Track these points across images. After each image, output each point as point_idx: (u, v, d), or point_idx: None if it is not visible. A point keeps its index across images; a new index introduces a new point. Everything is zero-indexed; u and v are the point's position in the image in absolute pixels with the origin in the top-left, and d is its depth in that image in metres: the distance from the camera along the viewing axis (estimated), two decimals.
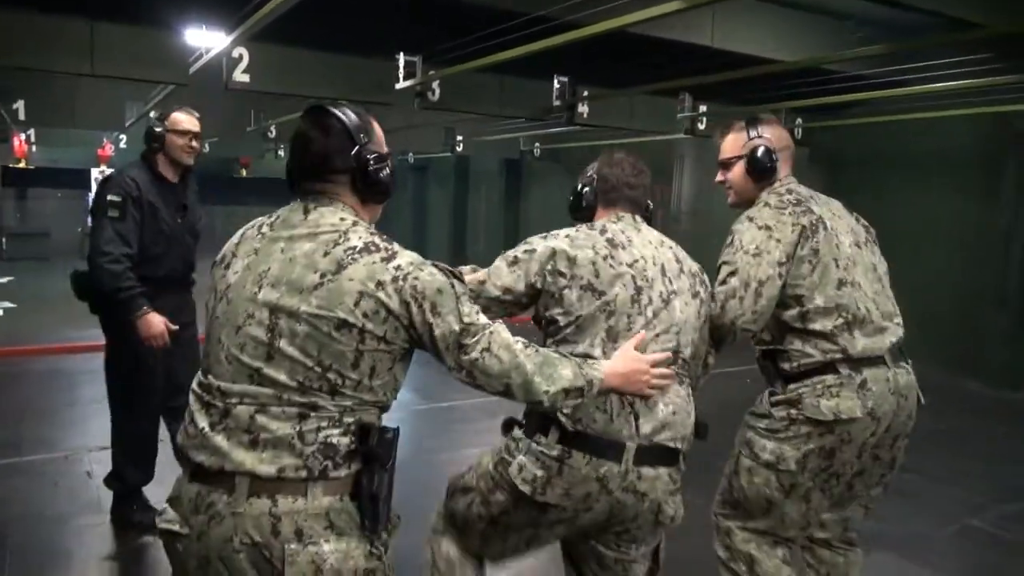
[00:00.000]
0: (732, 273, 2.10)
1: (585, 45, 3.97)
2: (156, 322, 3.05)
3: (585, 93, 6.22)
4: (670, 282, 1.92)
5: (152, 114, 3.42)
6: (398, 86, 5.50)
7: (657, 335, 1.86)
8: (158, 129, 3.19)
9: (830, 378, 2.09)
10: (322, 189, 1.52)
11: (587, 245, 1.89)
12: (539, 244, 1.92)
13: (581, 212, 2.10)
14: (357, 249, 1.44)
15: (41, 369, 6.43)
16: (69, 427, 4.76)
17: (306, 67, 5.03)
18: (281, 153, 12.80)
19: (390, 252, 1.45)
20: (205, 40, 4.62)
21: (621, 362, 1.74)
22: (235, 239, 1.58)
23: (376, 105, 6.82)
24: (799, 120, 7.80)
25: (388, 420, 1.51)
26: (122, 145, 11.67)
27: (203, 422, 1.43)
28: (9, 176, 14.77)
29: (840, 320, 2.10)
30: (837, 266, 2.14)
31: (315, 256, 1.44)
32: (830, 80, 6.25)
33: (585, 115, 6.26)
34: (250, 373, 1.42)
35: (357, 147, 1.50)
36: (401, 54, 5.45)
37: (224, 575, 1.40)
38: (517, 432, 1.91)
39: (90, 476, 4.01)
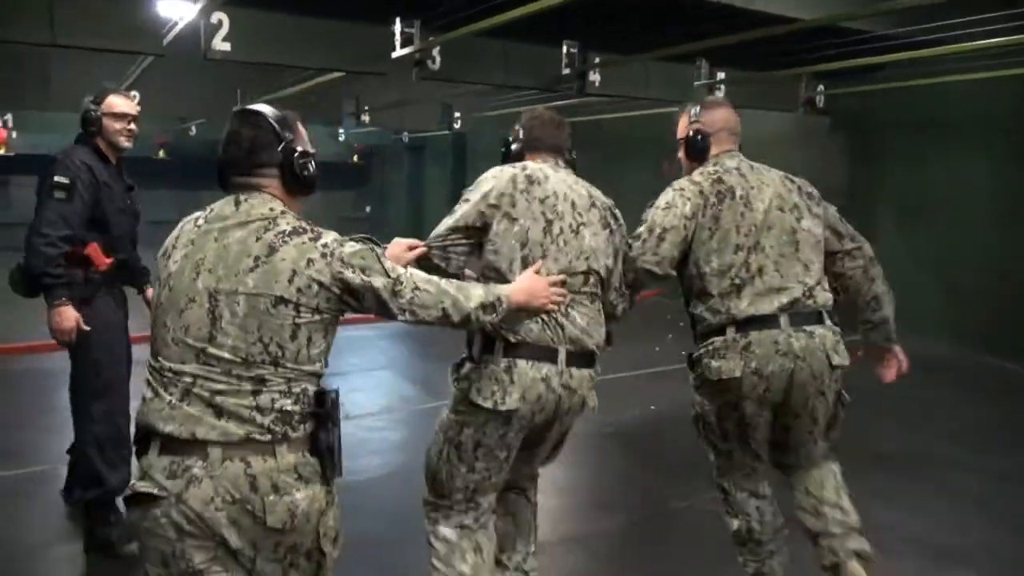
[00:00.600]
0: (643, 224, 2.42)
1: (596, 3, 3.54)
2: (70, 317, 2.92)
3: (597, 60, 5.75)
4: (580, 215, 2.21)
5: (87, 97, 3.13)
6: (395, 54, 5.03)
7: (570, 260, 2.17)
8: (94, 113, 3.05)
9: (718, 340, 2.36)
10: (251, 183, 1.68)
11: (508, 178, 2.19)
12: (474, 193, 2.21)
13: (509, 159, 2.37)
14: (287, 233, 1.62)
15: (15, 369, 6.00)
16: (44, 436, 4.31)
17: (292, 34, 4.55)
18: None
19: (316, 233, 1.65)
20: (179, 7, 4.16)
21: (523, 283, 2.05)
22: (176, 232, 1.72)
23: (371, 76, 6.36)
24: (821, 87, 7.33)
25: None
26: None
27: (169, 396, 1.57)
28: None
29: (728, 283, 2.34)
30: (738, 232, 2.36)
31: (248, 242, 1.60)
32: (855, 41, 5.79)
33: (597, 84, 5.80)
34: (196, 353, 1.57)
35: (283, 143, 1.68)
36: (398, 19, 5.00)
37: (199, 535, 1.55)
38: (466, 366, 2.18)
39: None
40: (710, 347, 2.36)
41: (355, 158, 18.41)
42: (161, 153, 15.53)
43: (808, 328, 2.32)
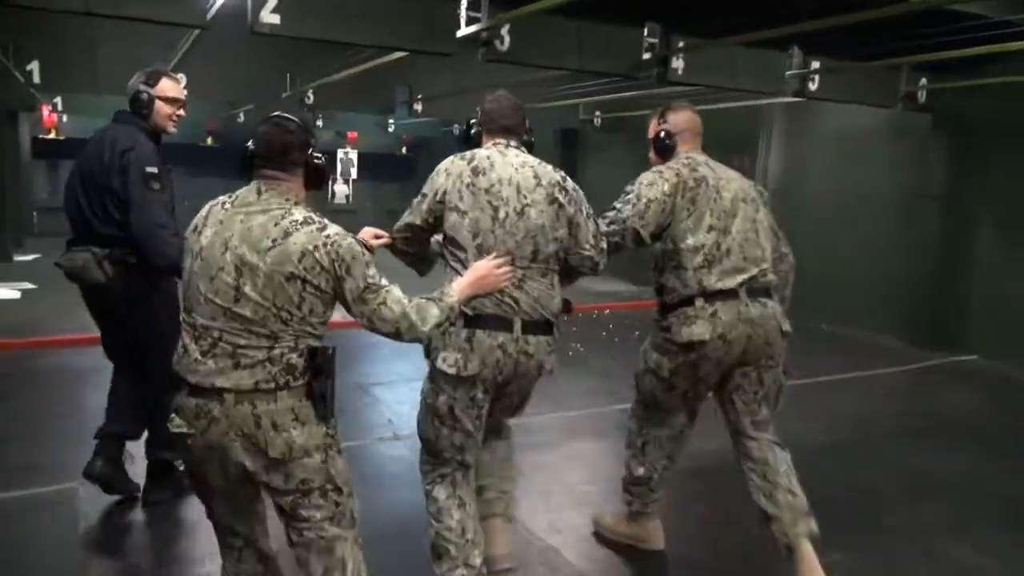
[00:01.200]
0: (630, 194, 2.73)
1: None
2: None
3: (681, 44, 5.17)
4: (524, 197, 2.41)
5: (137, 76, 3.03)
6: (459, 33, 4.53)
7: (516, 240, 2.39)
8: (146, 95, 3.06)
9: (690, 310, 2.68)
10: (278, 175, 2.04)
11: (456, 173, 2.42)
12: (428, 189, 2.46)
13: (470, 142, 2.59)
14: (299, 222, 1.97)
15: (45, 367, 5.66)
16: (64, 448, 3.89)
17: (348, 8, 4.05)
18: (320, 123, 11.95)
19: (323, 225, 1.99)
20: None
21: (470, 276, 2.34)
22: (204, 212, 2.07)
23: (425, 62, 5.87)
24: (923, 80, 6.62)
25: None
26: None
27: (195, 351, 1.96)
28: (39, 147, 14.16)
29: (701, 258, 2.67)
30: (711, 215, 2.69)
31: (268, 226, 1.96)
32: (966, 28, 5.08)
33: (680, 71, 5.21)
34: (224, 311, 1.94)
35: (311, 147, 2.09)
36: None
37: (219, 459, 1.97)
38: (434, 340, 2.41)
39: (83, 521, 3.21)
40: (681, 315, 2.69)
41: (404, 150, 18.04)
42: (209, 140, 15.42)
43: (761, 300, 2.71)
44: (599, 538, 3.22)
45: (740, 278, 2.67)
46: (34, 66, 7.60)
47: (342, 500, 2.06)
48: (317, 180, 2.09)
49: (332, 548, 2.05)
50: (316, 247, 1.93)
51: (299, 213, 1.98)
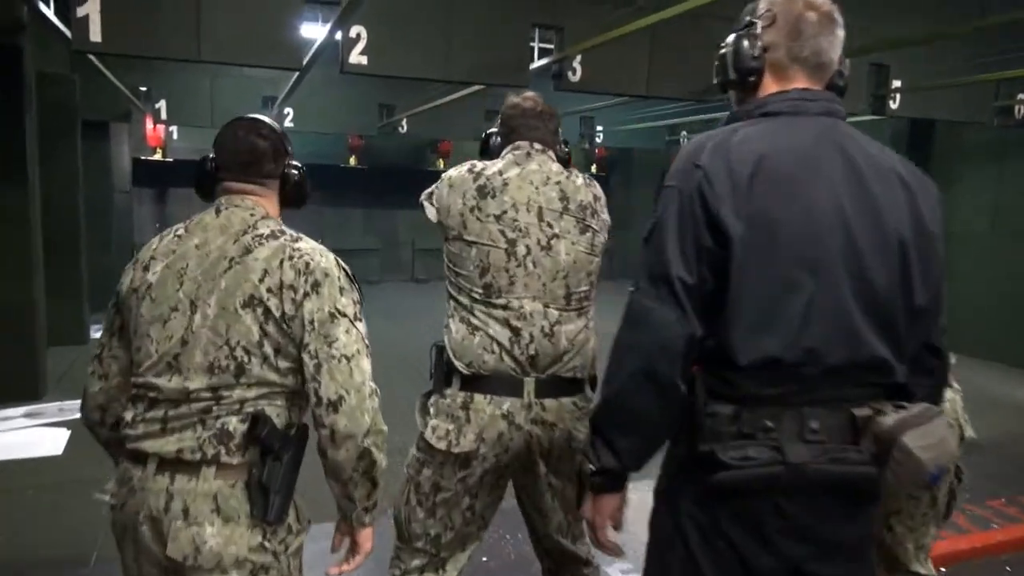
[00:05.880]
0: None
1: None
2: None
3: None
4: (549, 225, 1.92)
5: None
6: (533, 65, 4.81)
7: (543, 284, 1.90)
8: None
9: None
10: (246, 189, 1.61)
11: (459, 192, 1.94)
12: (433, 198, 2.00)
13: (488, 154, 2.09)
14: (264, 236, 1.54)
15: None
16: None
17: (428, 47, 4.41)
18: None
19: (295, 238, 1.57)
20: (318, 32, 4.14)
21: None
22: (152, 243, 1.61)
23: (508, 88, 6.18)
24: (1021, 95, 6.39)
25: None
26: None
27: (129, 413, 1.52)
28: (140, 171, 10.47)
29: None
30: None
31: (226, 246, 1.53)
32: None
33: None
34: (169, 362, 1.48)
35: (288, 156, 1.66)
36: (536, 30, 4.77)
37: (132, 544, 1.49)
38: (431, 398, 1.97)
39: None
40: None
41: (593, 168, 18.16)
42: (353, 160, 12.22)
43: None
44: None
45: None
46: (162, 104, 8.38)
47: None
48: (296, 196, 1.67)
49: None
50: (281, 261, 1.49)
51: (265, 227, 1.56)
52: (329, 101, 8.39)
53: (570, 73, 4.81)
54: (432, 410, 1.95)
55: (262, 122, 1.65)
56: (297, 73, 5.89)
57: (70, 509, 3.62)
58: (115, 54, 4.26)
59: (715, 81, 1.50)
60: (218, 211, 1.58)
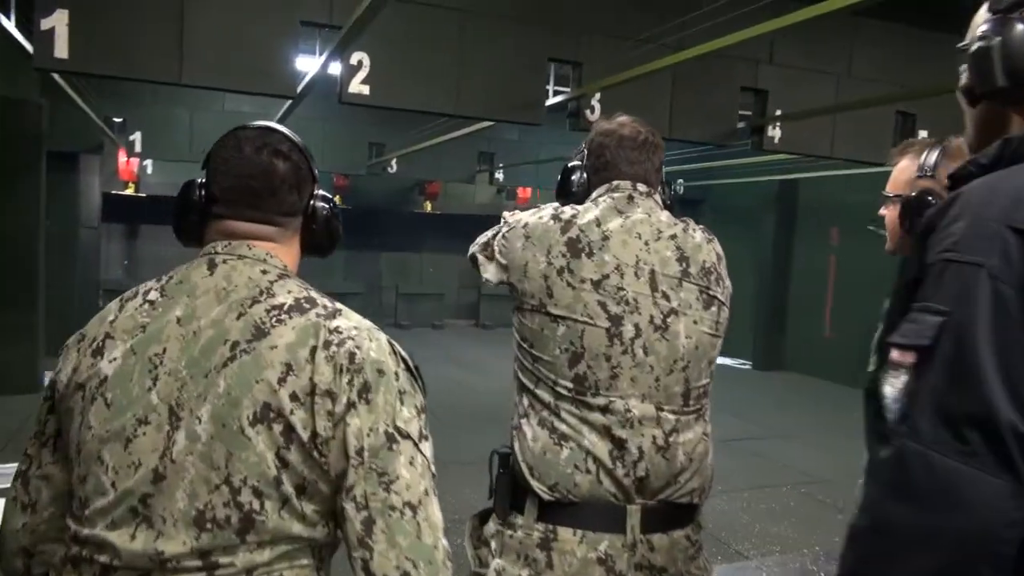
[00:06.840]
0: None
1: None
2: None
3: (778, 112, 4.93)
4: (665, 296, 1.47)
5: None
6: (548, 102, 4.42)
7: (657, 378, 1.43)
8: None
9: None
10: (255, 232, 1.08)
11: (541, 246, 1.49)
12: (500, 252, 1.55)
13: (572, 196, 1.63)
14: (285, 308, 1.01)
15: None
16: None
17: (437, 79, 4.01)
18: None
19: (330, 310, 1.04)
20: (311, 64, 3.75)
21: None
22: (109, 314, 1.06)
23: (520, 125, 5.81)
24: None
25: None
26: None
27: None
28: (110, 206, 9.69)
29: None
30: None
31: (225, 322, 1.00)
32: None
33: (777, 140, 4.96)
34: (132, 506, 0.95)
35: (314, 183, 1.14)
36: (552, 65, 4.41)
37: None
38: (490, 526, 1.51)
39: None
40: None
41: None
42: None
43: None
44: None
45: None
46: (136, 136, 7.93)
47: None
48: (326, 242, 1.18)
49: None
50: (313, 350, 0.98)
51: (287, 292, 1.04)
52: (318, 138, 7.97)
53: (588, 112, 4.43)
54: (495, 545, 1.45)
55: (279, 133, 1.11)
56: (286, 107, 5.49)
57: None
58: (83, 73, 3.79)
59: (962, 86, 0.96)
60: (213, 265, 1.05)
